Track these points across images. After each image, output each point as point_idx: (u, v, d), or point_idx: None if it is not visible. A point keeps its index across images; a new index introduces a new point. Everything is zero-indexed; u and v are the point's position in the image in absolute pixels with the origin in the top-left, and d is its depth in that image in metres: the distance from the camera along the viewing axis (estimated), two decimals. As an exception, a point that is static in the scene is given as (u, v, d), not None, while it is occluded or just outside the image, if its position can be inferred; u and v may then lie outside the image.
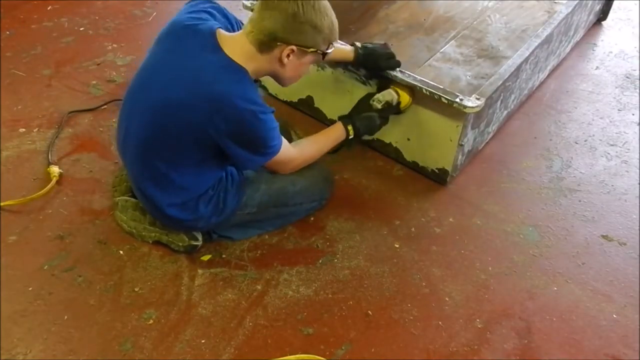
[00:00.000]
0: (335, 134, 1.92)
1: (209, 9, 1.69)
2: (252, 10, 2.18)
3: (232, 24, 1.75)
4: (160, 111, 1.60)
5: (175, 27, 1.65)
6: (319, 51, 1.63)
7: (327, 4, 1.60)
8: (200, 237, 1.84)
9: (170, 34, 1.65)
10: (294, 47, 1.57)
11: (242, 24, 1.78)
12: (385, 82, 1.99)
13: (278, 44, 1.56)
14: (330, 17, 1.60)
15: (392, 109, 1.97)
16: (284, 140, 1.73)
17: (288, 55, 1.58)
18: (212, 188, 1.76)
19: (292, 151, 1.79)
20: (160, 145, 1.64)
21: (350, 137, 1.92)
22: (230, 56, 1.56)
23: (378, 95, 1.94)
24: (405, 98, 1.96)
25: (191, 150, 1.64)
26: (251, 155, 1.66)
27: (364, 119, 1.93)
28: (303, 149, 1.85)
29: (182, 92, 1.56)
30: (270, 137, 1.64)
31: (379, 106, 1.92)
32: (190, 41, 1.59)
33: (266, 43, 1.56)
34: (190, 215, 1.75)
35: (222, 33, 1.60)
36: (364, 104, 1.97)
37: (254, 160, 1.69)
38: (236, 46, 1.57)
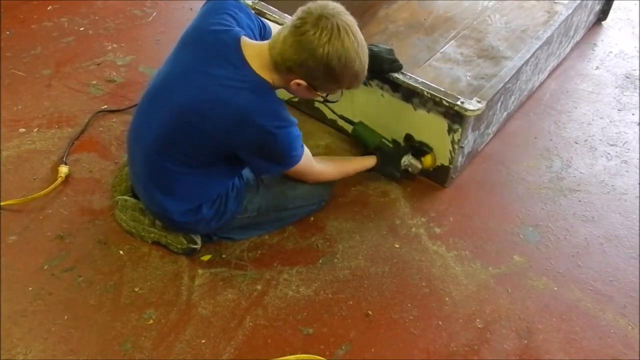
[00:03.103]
0: (366, 164, 2.03)
1: (233, 11, 1.65)
2: (253, 9, 2.19)
3: (255, 23, 1.73)
4: (181, 118, 1.59)
5: (200, 34, 1.61)
6: (327, 95, 1.63)
7: (358, 53, 1.51)
8: (199, 241, 1.84)
9: (196, 40, 1.62)
10: (304, 83, 1.55)
11: (264, 23, 1.78)
12: (421, 149, 2.06)
13: (291, 74, 1.54)
14: (356, 70, 1.53)
15: (410, 174, 2.11)
16: (307, 152, 1.74)
17: (298, 85, 1.57)
18: (217, 192, 1.77)
19: (314, 166, 1.82)
20: (176, 149, 1.64)
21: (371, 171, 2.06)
22: (254, 68, 1.55)
23: (410, 159, 2.06)
24: (427, 163, 2.07)
25: (207, 156, 1.65)
26: (271, 164, 1.68)
27: (388, 172, 2.08)
28: (328, 167, 1.91)
29: (206, 103, 1.55)
30: (292, 147, 1.66)
31: (402, 168, 2.07)
32: (215, 50, 1.56)
33: (280, 67, 1.53)
34: (191, 217, 1.75)
35: (246, 42, 1.57)
36: (396, 156, 2.05)
37: (274, 169, 1.73)
38: (259, 57, 1.55)
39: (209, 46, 1.58)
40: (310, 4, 1.50)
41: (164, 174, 1.69)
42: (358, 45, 1.50)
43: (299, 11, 1.50)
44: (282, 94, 1.73)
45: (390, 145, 2.08)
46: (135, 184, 1.83)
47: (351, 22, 1.50)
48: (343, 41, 1.46)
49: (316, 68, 1.49)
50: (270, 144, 1.60)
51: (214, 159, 1.67)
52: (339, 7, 1.50)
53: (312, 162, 1.80)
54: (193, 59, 1.60)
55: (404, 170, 2.07)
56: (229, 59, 1.55)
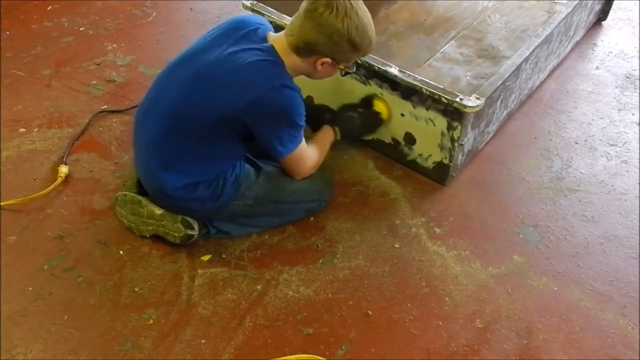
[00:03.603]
0: (329, 138, 2.00)
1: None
2: (251, 10, 2.19)
3: None
4: (197, 82, 1.68)
5: (231, 20, 1.78)
6: (350, 64, 1.78)
7: (369, 22, 1.69)
8: (196, 227, 1.84)
9: (226, 24, 1.77)
10: (328, 60, 1.70)
11: None
12: (367, 99, 2.09)
13: (315, 54, 1.68)
14: (370, 36, 1.70)
15: (371, 116, 2.09)
16: (304, 140, 1.82)
17: (322, 64, 1.71)
18: (215, 174, 1.78)
19: (311, 150, 1.88)
20: (189, 115, 1.69)
21: (338, 138, 2.02)
22: (275, 48, 1.69)
23: (378, 104, 2.09)
24: (379, 108, 2.08)
25: (216, 133, 1.70)
26: (275, 137, 1.73)
27: (345, 121, 2.05)
28: (316, 153, 1.92)
29: (221, 64, 1.66)
30: (297, 113, 1.72)
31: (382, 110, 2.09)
32: (242, 31, 1.72)
33: (303, 50, 1.68)
34: (186, 194, 1.76)
35: (271, 33, 1.77)
36: (344, 111, 2.10)
37: (277, 145, 1.74)
38: (278, 43, 1.70)
39: (238, 28, 1.73)
40: None
41: (169, 147, 1.73)
42: (367, 14, 1.69)
43: None
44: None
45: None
46: (137, 159, 1.85)
47: None
48: (357, 13, 1.64)
49: (340, 41, 1.65)
50: (276, 103, 1.67)
51: (223, 131, 1.71)
52: None
53: (307, 148, 1.85)
54: (219, 36, 1.74)
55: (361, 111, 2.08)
56: (251, 37, 1.71)
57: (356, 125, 2.07)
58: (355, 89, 2.12)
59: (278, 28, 2.19)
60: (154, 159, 1.77)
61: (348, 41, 1.66)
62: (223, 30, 1.75)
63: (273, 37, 1.73)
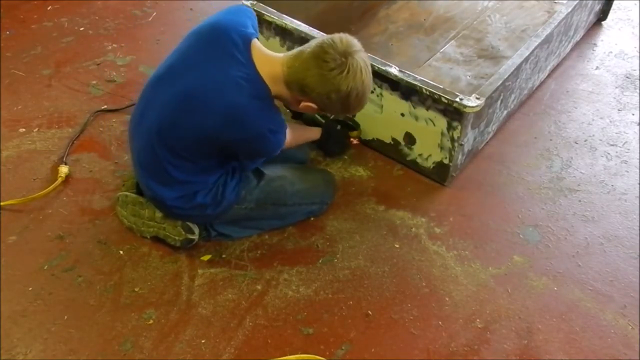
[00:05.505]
0: (312, 136, 2.09)
1: (252, 19, 1.73)
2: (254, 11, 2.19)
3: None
4: (182, 103, 1.63)
5: (215, 27, 1.67)
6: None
7: (369, 87, 1.64)
8: (196, 231, 1.84)
9: (210, 32, 1.67)
10: (315, 106, 1.65)
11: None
12: (348, 124, 2.21)
13: (305, 96, 1.62)
14: (364, 102, 1.67)
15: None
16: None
17: (307, 106, 1.66)
18: (212, 181, 1.78)
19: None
20: (172, 137, 1.66)
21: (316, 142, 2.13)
22: (262, 73, 1.61)
23: (353, 133, 2.23)
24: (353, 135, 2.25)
25: (202, 148, 1.67)
26: (254, 159, 1.81)
27: (336, 146, 2.20)
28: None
29: (208, 92, 1.60)
30: (278, 147, 1.72)
31: (355, 141, 2.25)
32: (226, 45, 1.62)
33: (295, 88, 1.61)
34: (185, 203, 1.76)
35: (256, 45, 1.64)
36: (341, 134, 2.20)
37: (257, 162, 1.83)
38: (270, 66, 1.62)
39: (221, 40, 1.63)
40: (334, 38, 1.57)
41: (160, 164, 1.70)
42: (370, 81, 1.64)
43: (325, 44, 1.56)
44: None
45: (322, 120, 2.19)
46: (135, 170, 1.84)
47: (367, 59, 1.63)
48: (363, 80, 1.59)
49: (336, 100, 1.60)
50: (260, 145, 1.67)
51: (207, 152, 1.69)
52: (357, 44, 1.60)
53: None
54: (203, 49, 1.65)
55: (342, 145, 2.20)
56: (235, 55, 1.60)
57: (339, 146, 2.21)
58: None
59: (278, 28, 2.21)
60: (147, 174, 1.75)
61: (343, 103, 1.61)
62: (205, 40, 1.66)
63: (260, 54, 1.62)
